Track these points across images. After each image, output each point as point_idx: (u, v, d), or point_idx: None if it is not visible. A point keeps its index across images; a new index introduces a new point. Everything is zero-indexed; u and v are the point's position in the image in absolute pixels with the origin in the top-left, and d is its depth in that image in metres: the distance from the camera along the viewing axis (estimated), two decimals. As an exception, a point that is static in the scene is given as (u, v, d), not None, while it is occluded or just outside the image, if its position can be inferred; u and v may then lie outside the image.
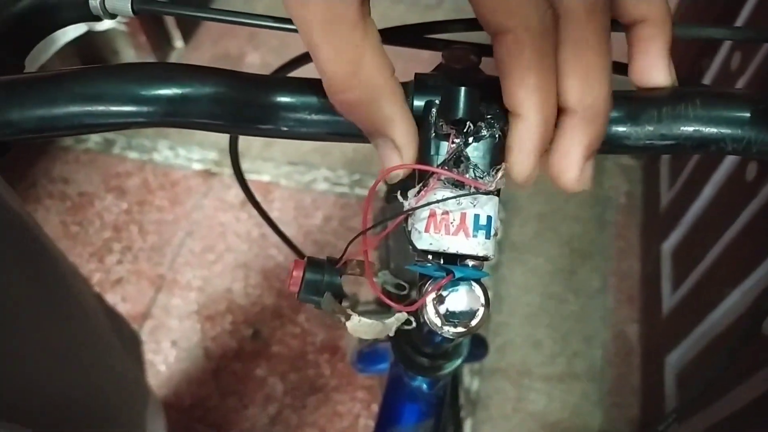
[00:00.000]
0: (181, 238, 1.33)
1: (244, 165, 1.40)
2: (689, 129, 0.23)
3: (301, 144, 1.48)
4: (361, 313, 0.62)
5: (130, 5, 0.26)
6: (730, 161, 0.96)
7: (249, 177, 1.41)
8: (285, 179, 1.42)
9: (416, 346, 0.36)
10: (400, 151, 0.22)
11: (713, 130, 0.23)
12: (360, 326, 0.23)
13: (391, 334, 0.25)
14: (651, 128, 0.23)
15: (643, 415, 1.12)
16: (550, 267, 1.30)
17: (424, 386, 0.38)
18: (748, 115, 0.23)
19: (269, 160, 1.44)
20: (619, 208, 1.39)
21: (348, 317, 0.24)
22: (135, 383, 0.61)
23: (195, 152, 1.47)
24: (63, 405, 0.45)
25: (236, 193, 1.39)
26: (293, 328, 1.21)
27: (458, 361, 0.35)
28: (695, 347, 1.00)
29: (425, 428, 0.38)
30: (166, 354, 1.18)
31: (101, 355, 0.53)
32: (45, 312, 0.43)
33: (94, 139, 1.48)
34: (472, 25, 0.29)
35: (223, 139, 1.54)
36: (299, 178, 1.42)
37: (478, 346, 0.58)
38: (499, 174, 0.21)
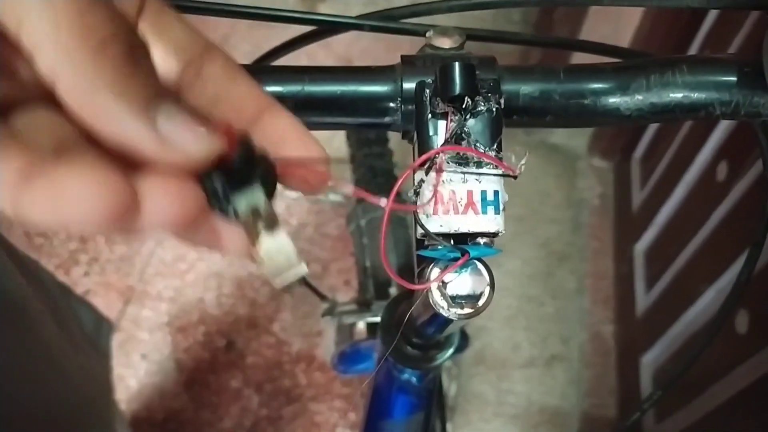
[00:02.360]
0: (150, 248, 1.29)
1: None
2: (678, 95, 0.23)
3: (274, 150, 1.46)
4: (341, 314, 0.60)
5: None
6: (701, 161, 0.98)
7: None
8: (258, 186, 1.39)
9: (407, 338, 0.35)
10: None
11: (702, 95, 0.23)
12: (274, 250, 0.18)
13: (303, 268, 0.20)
14: (641, 97, 0.23)
15: (621, 415, 1.13)
16: (528, 269, 1.30)
17: (414, 379, 0.37)
18: (735, 78, 0.23)
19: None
20: (593, 209, 1.40)
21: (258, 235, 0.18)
22: (100, 380, 0.58)
23: (165, 159, 1.43)
24: (23, 421, 0.42)
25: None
26: (268, 338, 1.19)
27: (449, 352, 0.34)
28: (671, 347, 1.01)
29: (416, 422, 0.37)
30: (136, 368, 1.14)
31: (56, 365, 0.50)
32: None
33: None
34: (455, 8, 0.28)
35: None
36: (273, 185, 1.40)
37: (460, 338, 0.58)
38: (523, 160, 0.21)
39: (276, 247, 0.18)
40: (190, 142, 0.15)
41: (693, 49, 1.08)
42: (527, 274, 1.30)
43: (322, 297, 0.61)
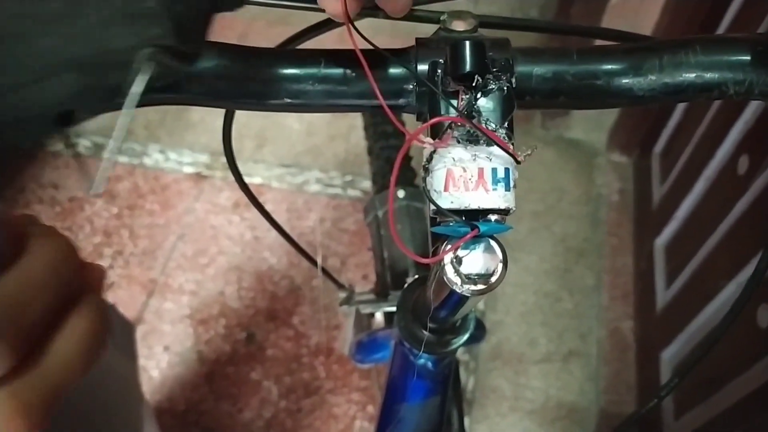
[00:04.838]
0: (172, 242, 1.31)
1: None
2: (691, 75, 0.23)
3: (292, 145, 1.48)
4: (359, 303, 0.60)
5: None
6: (721, 155, 0.97)
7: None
8: (277, 181, 1.41)
9: (422, 322, 0.35)
10: None
11: (715, 75, 0.23)
12: None
13: None
14: (654, 77, 0.24)
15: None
16: (545, 265, 1.30)
17: (430, 364, 0.37)
18: (748, 57, 0.23)
19: (261, 162, 1.44)
20: (612, 205, 1.39)
21: None
22: (127, 380, 0.60)
23: (186, 155, 1.46)
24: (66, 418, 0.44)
25: (228, 195, 1.38)
26: (287, 331, 1.20)
27: (465, 337, 0.35)
28: (691, 342, 1.00)
29: (432, 405, 0.38)
30: (159, 359, 1.16)
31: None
32: None
33: (84, 143, 1.46)
34: None
35: (215, 141, 1.53)
36: (291, 180, 1.41)
37: (476, 328, 0.58)
38: (528, 151, 0.21)
39: None
40: None
41: (727, 18, 1.06)
42: (544, 270, 1.29)
43: (340, 286, 0.62)
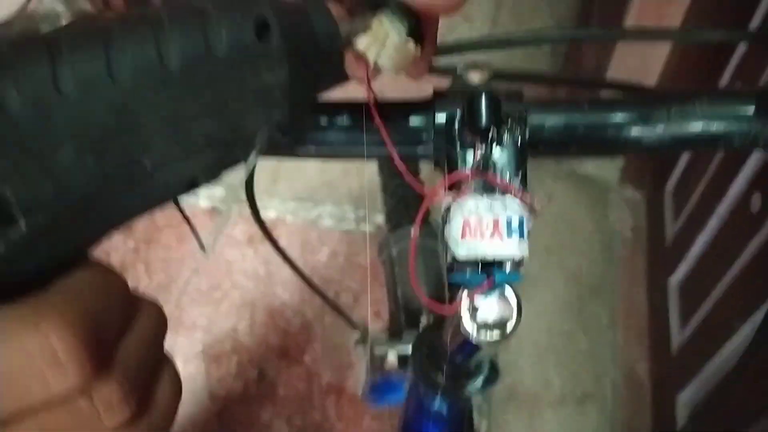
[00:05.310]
0: (187, 276, 1.32)
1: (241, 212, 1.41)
2: (698, 126, 0.24)
3: (308, 179, 1.49)
4: (373, 343, 0.60)
5: None
6: (734, 193, 0.97)
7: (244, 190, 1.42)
8: (291, 215, 1.42)
9: (438, 366, 0.35)
10: None
11: (720, 126, 0.24)
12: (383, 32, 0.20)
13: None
14: (662, 128, 0.25)
15: (658, 454, 1.09)
16: (558, 302, 1.29)
17: (445, 408, 0.37)
18: (752, 110, 0.24)
19: (275, 196, 1.45)
20: (625, 241, 1.39)
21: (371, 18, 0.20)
22: None
23: (201, 189, 1.48)
24: None
25: (243, 229, 1.39)
26: (298, 369, 1.20)
27: (480, 380, 0.35)
28: (707, 384, 0.98)
29: (446, 450, 0.38)
30: (170, 395, 1.16)
31: None
32: None
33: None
34: (483, 44, 0.30)
35: (230, 175, 1.55)
36: (305, 214, 1.43)
37: (491, 370, 0.58)
38: (545, 201, 0.22)
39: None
40: None
41: (723, 79, 1.08)
42: (558, 308, 1.28)
43: (354, 325, 0.62)
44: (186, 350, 1.22)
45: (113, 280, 0.19)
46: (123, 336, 0.19)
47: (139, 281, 1.31)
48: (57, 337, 0.16)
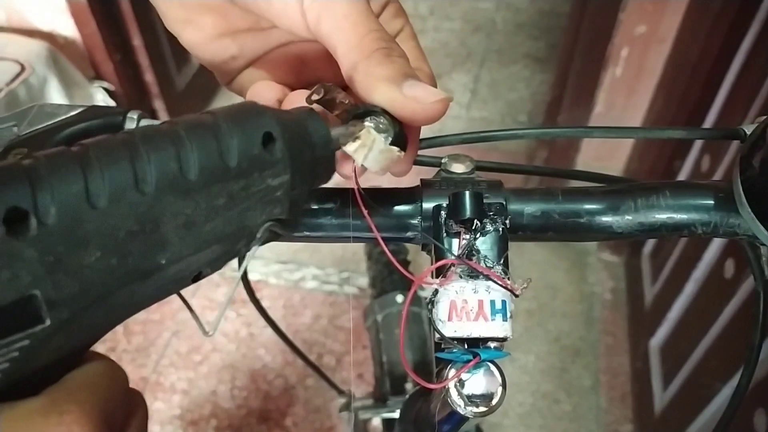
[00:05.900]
0: (166, 339, 1.30)
1: (233, 263, 1.41)
2: (663, 216, 0.27)
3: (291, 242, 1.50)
4: (358, 409, 0.60)
5: None
6: (708, 258, 1.00)
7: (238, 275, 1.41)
8: (274, 277, 1.42)
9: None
10: None
11: (684, 216, 0.27)
12: (372, 141, 0.22)
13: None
14: (630, 217, 0.27)
15: None
16: (541, 364, 1.29)
17: (431, 481, 0.37)
18: (711, 202, 0.27)
19: (258, 258, 1.46)
20: (605, 303, 1.41)
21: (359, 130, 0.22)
22: None
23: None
24: None
25: (224, 291, 1.38)
26: (280, 433, 1.17)
27: (466, 453, 0.35)
28: (691, 448, 0.98)
29: None
30: (145, 463, 1.12)
31: None
32: None
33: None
34: (466, 140, 0.33)
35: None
36: (288, 276, 1.43)
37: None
38: (525, 284, 0.24)
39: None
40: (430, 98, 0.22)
41: (688, 161, 1.14)
42: (541, 370, 1.28)
43: (340, 391, 0.62)
44: (163, 415, 1.19)
45: (119, 373, 0.21)
46: (126, 427, 0.20)
47: (117, 344, 1.29)
48: (79, 427, 0.17)
